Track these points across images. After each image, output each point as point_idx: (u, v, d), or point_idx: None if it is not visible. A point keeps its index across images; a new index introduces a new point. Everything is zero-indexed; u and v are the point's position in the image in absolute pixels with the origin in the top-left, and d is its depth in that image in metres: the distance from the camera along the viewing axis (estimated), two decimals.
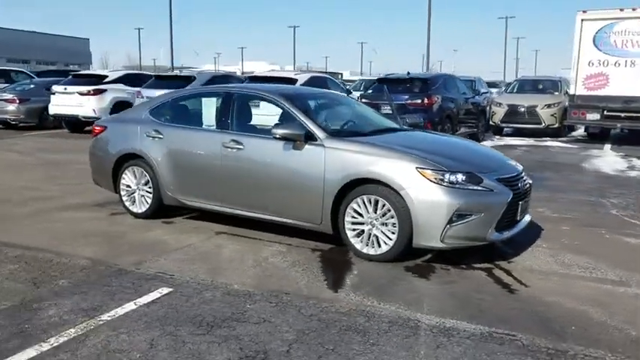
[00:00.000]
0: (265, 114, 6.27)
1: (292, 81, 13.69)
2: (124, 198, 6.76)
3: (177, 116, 6.66)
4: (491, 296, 4.43)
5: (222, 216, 6.31)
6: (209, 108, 6.37)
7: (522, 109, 16.98)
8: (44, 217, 6.74)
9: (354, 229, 5.26)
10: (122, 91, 16.63)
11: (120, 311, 4.04)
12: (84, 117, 16.15)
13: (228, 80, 16.77)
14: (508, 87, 20.14)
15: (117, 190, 6.85)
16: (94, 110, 15.97)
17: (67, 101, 16.29)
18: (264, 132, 5.89)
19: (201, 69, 50.47)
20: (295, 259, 5.27)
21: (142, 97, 15.29)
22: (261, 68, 55.90)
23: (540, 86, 18.60)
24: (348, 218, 5.27)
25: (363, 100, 12.86)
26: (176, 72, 18.91)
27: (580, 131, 18.54)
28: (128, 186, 6.71)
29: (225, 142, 5.90)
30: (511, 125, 17.32)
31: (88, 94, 15.98)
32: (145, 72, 20.99)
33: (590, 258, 5.34)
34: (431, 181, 4.89)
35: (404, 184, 4.93)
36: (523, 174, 5.52)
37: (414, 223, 4.90)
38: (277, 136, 5.49)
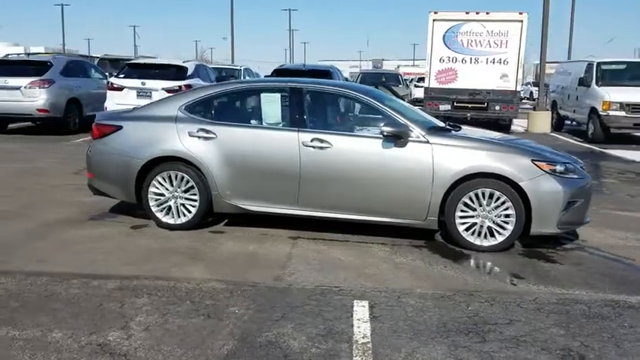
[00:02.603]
0: (342, 111, 6.00)
1: (183, 69, 12.80)
2: (154, 208, 5.85)
3: (228, 113, 5.97)
4: (627, 271, 5.04)
5: (275, 219, 5.88)
6: (271, 104, 5.83)
7: None
8: (58, 239, 5.51)
9: (463, 223, 5.42)
10: None
11: (364, 331, 3.70)
12: None
13: (82, 65, 14.86)
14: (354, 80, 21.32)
15: (139, 199, 5.89)
16: None
17: None
18: (349, 129, 5.68)
19: None
20: (418, 257, 5.25)
21: None
22: None
23: (383, 79, 20.12)
24: (458, 213, 5.40)
25: None
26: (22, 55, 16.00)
27: None
28: (160, 194, 5.82)
29: (305, 141, 5.52)
30: None
31: None
32: None
33: (629, 232, 6.26)
34: (546, 172, 5.29)
35: (523, 177, 5.25)
36: None
37: (534, 212, 5.26)
38: (385, 133, 5.35)
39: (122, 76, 12.58)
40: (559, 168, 5.36)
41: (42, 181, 8.17)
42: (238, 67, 20.35)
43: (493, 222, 5.37)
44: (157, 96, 12.09)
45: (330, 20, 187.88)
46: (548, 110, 18.63)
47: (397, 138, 5.40)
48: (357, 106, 5.86)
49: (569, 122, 18.59)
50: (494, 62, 16.36)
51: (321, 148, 5.50)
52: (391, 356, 3.40)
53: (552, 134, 17.17)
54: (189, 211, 5.81)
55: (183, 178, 5.76)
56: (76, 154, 10.93)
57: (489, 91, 16.47)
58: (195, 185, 5.73)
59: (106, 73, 15.54)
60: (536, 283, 4.65)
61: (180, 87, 12.21)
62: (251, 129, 5.74)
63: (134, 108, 6.36)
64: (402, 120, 5.51)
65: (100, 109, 14.68)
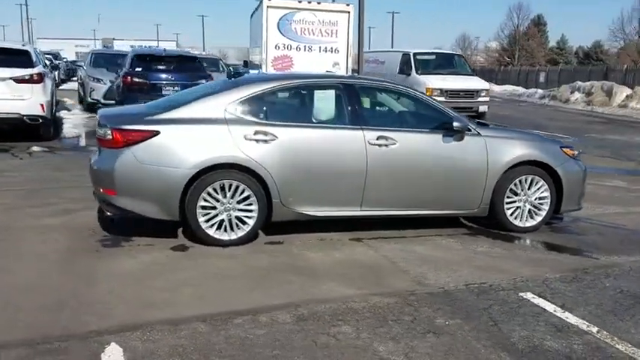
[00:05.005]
0: (394, 107, 5.86)
1: (26, 54, 10.72)
2: (204, 225, 5.09)
3: (282, 112, 5.41)
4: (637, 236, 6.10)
5: (313, 222, 5.56)
6: (325, 101, 5.45)
7: None
8: (112, 275, 4.48)
9: (509, 208, 5.89)
10: None
11: (579, 321, 3.93)
12: None
13: None
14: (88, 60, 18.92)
15: (184, 215, 5.06)
16: None
17: None
18: (407, 125, 5.67)
19: None
20: (489, 245, 5.57)
21: None
22: None
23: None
24: (505, 199, 5.85)
25: (135, 80, 11.32)
26: None
27: None
28: (211, 207, 5.08)
29: (370, 140, 5.36)
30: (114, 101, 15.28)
31: None
32: None
33: (593, 203, 7.32)
34: (570, 156, 6.05)
35: (557, 162, 5.90)
36: None
37: (565, 193, 5.95)
38: (455, 128, 5.50)
39: None
40: (576, 152, 6.16)
41: None
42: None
43: (532, 205, 5.94)
44: (2, 87, 9.99)
45: None
46: None
47: (457, 132, 5.59)
48: (406, 101, 5.85)
49: None
50: (326, 50, 17.06)
51: (386, 145, 5.40)
52: None
53: None
54: (246, 224, 5.18)
55: (238, 187, 5.10)
56: None
57: None
58: (253, 194, 5.13)
59: None
60: (608, 255, 5.35)
61: (31, 76, 10.25)
62: (315, 129, 5.33)
63: (154, 108, 5.32)
64: (457, 115, 5.71)
65: None
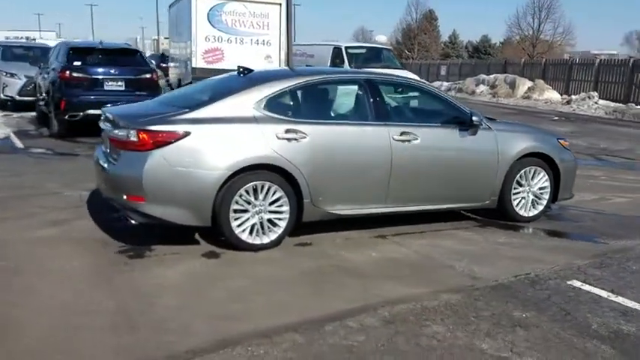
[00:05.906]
0: (410, 102, 5.83)
1: None
2: (237, 230, 4.84)
3: (309, 109, 5.20)
4: (628, 220, 6.52)
5: (332, 221, 5.45)
6: (348, 97, 5.33)
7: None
8: (170, 292, 4.16)
9: (515, 199, 6.10)
10: None
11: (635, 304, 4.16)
12: None
13: None
14: None
15: (214, 220, 4.78)
16: None
17: None
18: (425, 120, 5.69)
19: None
20: (505, 235, 5.74)
21: None
22: None
23: (31, 53, 16.33)
24: (512, 190, 6.05)
25: (75, 74, 10.48)
26: None
27: None
28: (242, 211, 4.84)
29: (395, 136, 5.34)
30: (30, 98, 14.59)
31: None
32: None
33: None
34: (565, 148, 6.37)
35: (556, 153, 6.19)
36: None
37: (562, 182, 6.25)
38: (474, 122, 5.60)
39: None
40: (567, 144, 6.50)
41: None
42: None
43: (534, 195, 6.19)
44: None
45: None
46: None
47: (472, 127, 5.70)
48: (423, 96, 5.87)
49: None
50: (258, 43, 16.75)
51: (409, 141, 5.40)
52: None
53: None
54: (277, 226, 4.98)
55: (270, 188, 4.89)
56: None
57: None
58: (284, 195, 4.94)
59: None
60: (615, 239, 5.68)
61: None
62: (343, 125, 5.22)
63: (174, 107, 4.95)
64: (473, 110, 5.83)
65: None
